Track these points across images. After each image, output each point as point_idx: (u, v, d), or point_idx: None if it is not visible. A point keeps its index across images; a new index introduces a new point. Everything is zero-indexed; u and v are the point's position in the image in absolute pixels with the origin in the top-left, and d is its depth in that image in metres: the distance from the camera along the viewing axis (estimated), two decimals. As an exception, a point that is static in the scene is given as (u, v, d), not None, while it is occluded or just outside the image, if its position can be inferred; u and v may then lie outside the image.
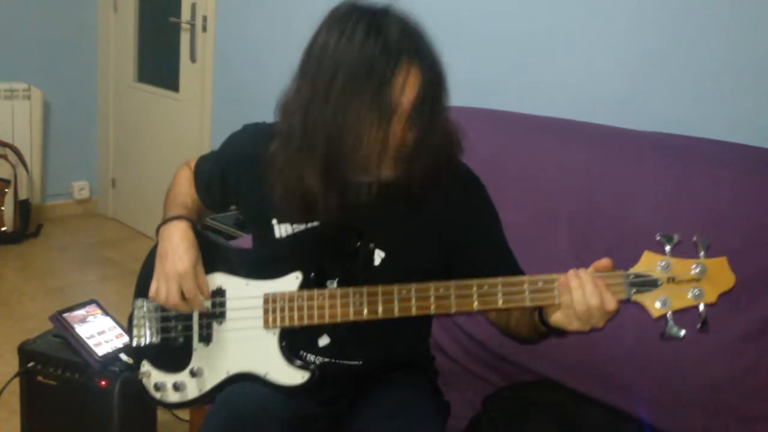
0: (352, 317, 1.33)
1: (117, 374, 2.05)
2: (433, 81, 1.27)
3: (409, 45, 1.24)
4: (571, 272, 1.21)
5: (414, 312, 1.29)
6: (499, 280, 1.26)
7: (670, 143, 1.83)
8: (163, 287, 1.43)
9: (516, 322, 1.39)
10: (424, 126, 1.27)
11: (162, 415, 2.32)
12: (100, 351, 2.07)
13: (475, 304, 1.26)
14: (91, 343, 2.08)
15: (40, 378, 2.11)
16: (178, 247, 1.44)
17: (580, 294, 1.18)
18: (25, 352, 2.13)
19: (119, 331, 2.17)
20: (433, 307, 1.28)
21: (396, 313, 1.30)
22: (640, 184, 1.75)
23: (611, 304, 1.17)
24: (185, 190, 1.63)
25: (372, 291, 1.32)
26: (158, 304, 1.47)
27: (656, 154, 1.80)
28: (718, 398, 1.57)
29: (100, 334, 2.13)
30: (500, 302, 1.25)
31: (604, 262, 1.21)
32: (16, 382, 2.16)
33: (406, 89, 1.23)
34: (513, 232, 1.53)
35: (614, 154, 1.85)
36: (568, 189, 1.84)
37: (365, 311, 1.32)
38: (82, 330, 2.11)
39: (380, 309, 1.31)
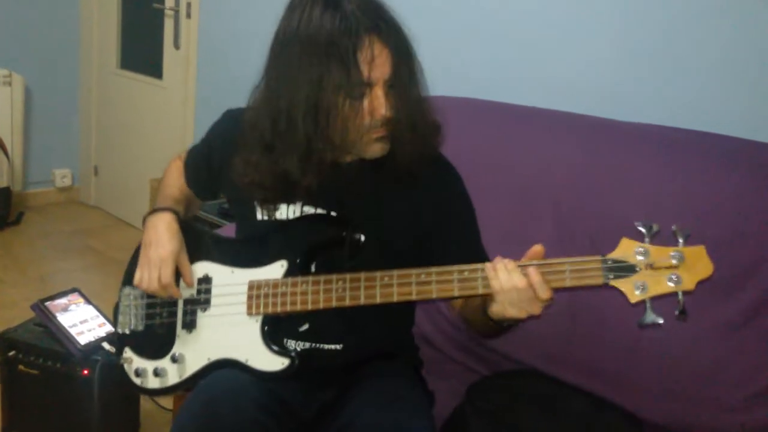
0: (334, 303, 1.34)
1: (99, 363, 2.04)
2: (402, 53, 1.28)
3: (368, 18, 1.24)
4: (497, 258, 1.24)
5: (395, 298, 1.30)
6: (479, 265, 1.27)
7: (657, 134, 1.84)
8: (146, 274, 1.47)
9: (473, 320, 1.41)
10: (402, 99, 1.28)
11: (145, 404, 2.31)
12: (83, 340, 2.06)
13: (456, 290, 1.27)
14: (73, 331, 2.06)
15: (21, 367, 2.10)
16: (162, 236, 1.48)
17: (506, 275, 1.21)
18: (6, 340, 2.11)
19: (102, 320, 2.16)
20: (414, 293, 1.29)
21: (378, 299, 1.30)
22: (626, 176, 1.75)
23: (544, 293, 1.20)
24: (174, 182, 1.67)
25: (354, 277, 1.32)
26: (142, 291, 1.51)
27: (643, 145, 1.80)
28: (701, 387, 1.58)
29: (83, 323, 2.11)
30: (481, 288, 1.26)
31: (536, 248, 1.24)
32: (-3, 371, 2.15)
33: (375, 64, 1.24)
34: (497, 223, 1.53)
35: (601, 145, 1.85)
36: (553, 180, 1.84)
37: (347, 298, 1.32)
38: (64, 319, 2.09)
39: (362, 295, 1.31)
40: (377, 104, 1.27)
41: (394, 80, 1.28)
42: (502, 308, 1.23)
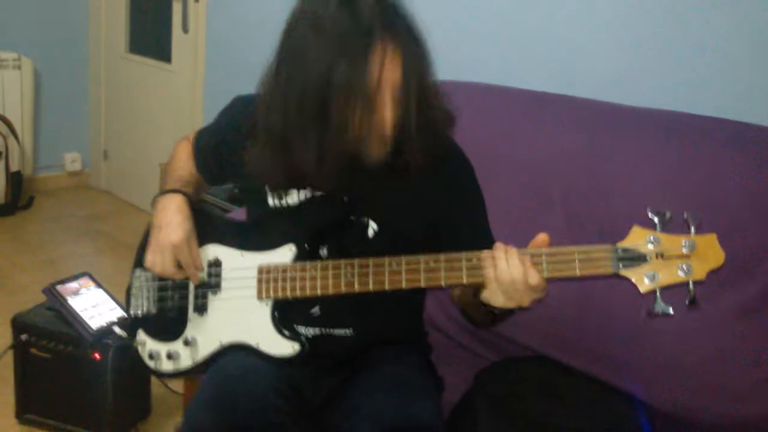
0: (343, 289, 1.34)
1: (111, 347, 2.06)
2: (415, 57, 1.25)
3: (383, 18, 1.22)
4: (498, 244, 1.23)
5: (404, 285, 1.30)
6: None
7: (667, 120, 1.82)
8: (159, 258, 1.46)
9: (466, 306, 1.41)
10: (412, 105, 1.26)
11: (156, 388, 2.33)
12: (94, 324, 2.07)
13: (465, 277, 1.26)
14: (84, 315, 2.08)
15: (33, 350, 2.12)
16: (172, 219, 1.46)
17: (504, 265, 1.20)
18: (18, 324, 2.14)
19: (113, 304, 2.17)
20: (422, 280, 1.29)
21: (386, 285, 1.30)
22: (636, 162, 1.74)
23: (533, 278, 1.19)
24: (183, 164, 1.65)
25: (363, 263, 1.32)
26: (154, 274, 1.50)
27: (654, 131, 1.79)
28: (708, 374, 1.58)
29: (94, 307, 2.13)
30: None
31: (542, 236, 1.22)
32: (10, 354, 2.17)
33: (386, 69, 1.21)
34: (507, 211, 1.53)
35: (610, 130, 1.84)
36: (562, 167, 1.83)
37: (356, 284, 1.32)
38: (75, 303, 2.11)
39: (371, 281, 1.31)
40: (383, 111, 1.24)
41: (404, 85, 1.24)
42: (491, 295, 1.24)
